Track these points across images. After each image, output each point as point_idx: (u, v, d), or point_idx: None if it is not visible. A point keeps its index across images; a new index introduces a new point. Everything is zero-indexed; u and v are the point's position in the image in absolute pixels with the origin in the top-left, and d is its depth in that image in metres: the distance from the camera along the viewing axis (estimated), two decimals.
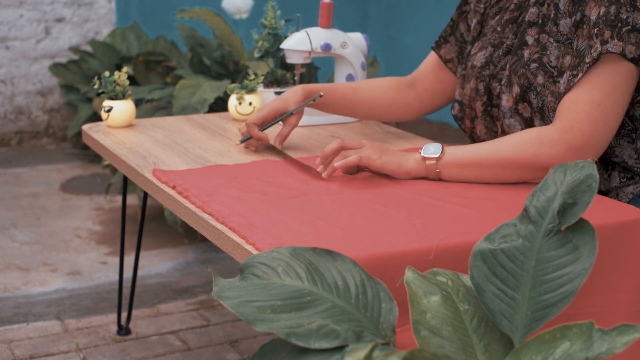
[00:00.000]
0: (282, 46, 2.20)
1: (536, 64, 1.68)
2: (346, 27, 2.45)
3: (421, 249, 1.30)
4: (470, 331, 1.09)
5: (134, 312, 2.60)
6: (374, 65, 3.83)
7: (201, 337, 2.48)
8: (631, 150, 1.70)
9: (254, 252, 1.30)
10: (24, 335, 2.48)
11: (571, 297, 1.07)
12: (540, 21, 1.72)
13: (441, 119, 4.61)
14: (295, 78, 2.26)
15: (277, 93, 2.22)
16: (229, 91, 2.22)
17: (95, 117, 4.16)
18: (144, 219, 2.41)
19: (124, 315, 2.55)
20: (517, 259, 1.13)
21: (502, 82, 1.74)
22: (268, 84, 2.28)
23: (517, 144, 1.61)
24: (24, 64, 4.62)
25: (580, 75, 1.59)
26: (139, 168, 1.78)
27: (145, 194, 2.34)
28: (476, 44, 1.85)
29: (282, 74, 2.28)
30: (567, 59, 1.65)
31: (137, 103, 3.74)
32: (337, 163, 1.62)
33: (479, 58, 1.81)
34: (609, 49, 1.56)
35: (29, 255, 3.09)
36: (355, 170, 1.67)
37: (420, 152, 1.65)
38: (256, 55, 2.35)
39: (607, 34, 1.57)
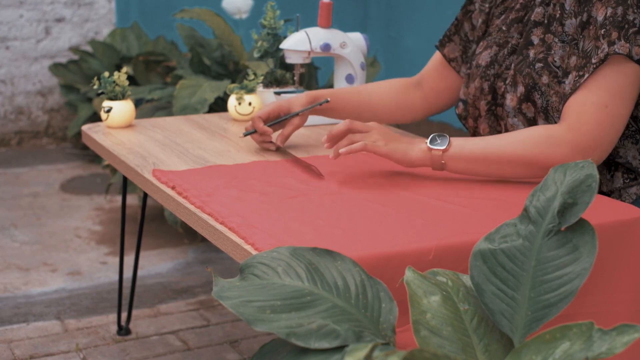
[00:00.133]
0: (281, 46, 2.20)
1: (541, 64, 1.68)
2: (346, 27, 2.45)
3: (421, 249, 1.30)
4: (470, 331, 1.09)
5: (134, 312, 2.60)
6: (374, 65, 3.82)
7: (201, 337, 2.48)
8: (635, 151, 1.70)
9: (253, 252, 1.30)
10: (24, 335, 2.48)
11: (571, 297, 1.07)
12: (545, 21, 1.72)
13: (441, 119, 4.61)
14: (295, 78, 2.26)
15: (277, 93, 2.22)
16: (228, 91, 2.22)
17: (95, 117, 4.16)
18: (143, 219, 2.41)
19: (124, 315, 2.55)
20: (517, 259, 1.13)
21: (507, 82, 1.74)
22: (267, 84, 2.28)
23: (524, 141, 1.60)
24: (24, 64, 4.62)
25: (586, 75, 1.59)
26: (138, 168, 1.78)
27: (145, 194, 2.34)
28: (481, 43, 1.86)
29: (281, 74, 2.28)
30: (573, 60, 1.65)
31: (137, 103, 3.74)
32: (342, 149, 1.61)
33: (484, 57, 1.81)
34: (616, 50, 1.56)
35: (29, 255, 3.09)
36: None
37: (426, 142, 1.63)
38: (256, 55, 2.35)
39: (614, 35, 1.57)
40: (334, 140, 1.66)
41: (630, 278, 1.44)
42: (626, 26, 1.57)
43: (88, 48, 4.63)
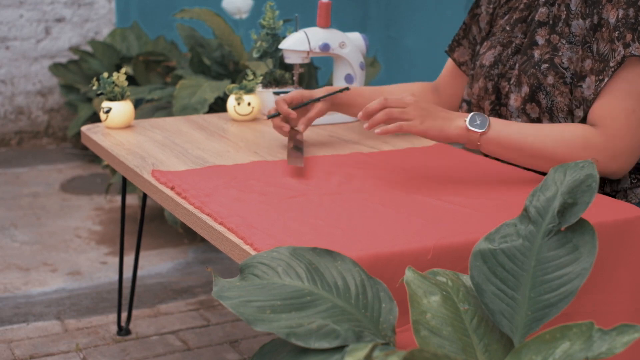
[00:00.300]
0: (280, 46, 2.20)
1: (547, 65, 1.68)
2: (346, 27, 2.45)
3: (421, 248, 1.30)
4: (470, 331, 1.09)
5: (134, 312, 2.60)
6: (373, 65, 3.82)
7: (201, 337, 2.48)
8: None
9: (252, 252, 1.30)
10: (24, 335, 2.48)
11: (571, 297, 1.07)
12: (550, 21, 1.72)
13: None
14: (294, 78, 2.26)
15: (276, 93, 2.22)
16: (227, 91, 2.22)
17: (95, 117, 4.16)
18: (143, 219, 2.41)
19: (124, 315, 2.55)
20: (517, 259, 1.13)
21: (511, 82, 1.75)
22: (267, 84, 2.28)
23: (563, 140, 1.61)
24: (24, 64, 4.62)
25: (606, 79, 1.60)
26: (137, 169, 1.78)
27: (145, 194, 2.34)
28: (485, 43, 1.86)
29: (281, 74, 2.27)
30: (588, 63, 1.65)
31: (137, 103, 3.74)
32: (377, 130, 1.60)
33: (487, 57, 1.81)
34: (632, 52, 1.57)
35: (29, 255, 3.09)
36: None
37: (465, 121, 1.62)
38: (255, 55, 2.35)
39: (629, 37, 1.58)
40: (370, 115, 1.63)
41: (630, 277, 1.44)
42: (639, 27, 1.58)
43: (88, 48, 4.63)
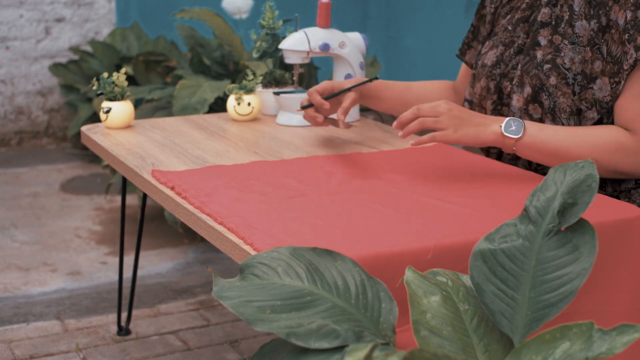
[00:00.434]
0: (280, 46, 2.20)
1: (549, 65, 1.69)
2: (346, 27, 2.45)
3: (421, 248, 1.30)
4: (470, 331, 1.09)
5: (134, 312, 2.60)
6: (373, 65, 3.82)
7: (201, 337, 2.48)
8: None
9: (252, 252, 1.30)
10: (24, 335, 2.48)
11: (571, 297, 1.07)
12: (553, 22, 1.73)
13: None
14: (294, 78, 2.26)
15: (276, 93, 2.22)
16: (227, 91, 2.22)
17: (95, 117, 4.16)
18: (143, 219, 2.41)
19: (124, 315, 2.55)
20: (517, 259, 1.13)
21: (514, 82, 1.75)
22: (267, 84, 2.28)
23: (597, 146, 1.62)
24: (24, 64, 4.62)
25: (622, 82, 1.62)
26: (137, 169, 1.78)
27: (145, 194, 2.34)
28: (487, 42, 1.86)
29: (280, 74, 2.28)
30: (598, 64, 1.66)
31: (137, 103, 3.74)
32: (412, 142, 1.61)
33: (489, 57, 1.82)
34: None
35: (29, 255, 3.09)
36: None
37: (500, 126, 1.63)
38: (255, 55, 2.35)
39: (639, 39, 1.58)
40: (404, 125, 1.64)
41: (630, 277, 1.44)
42: None
43: (88, 48, 4.63)
